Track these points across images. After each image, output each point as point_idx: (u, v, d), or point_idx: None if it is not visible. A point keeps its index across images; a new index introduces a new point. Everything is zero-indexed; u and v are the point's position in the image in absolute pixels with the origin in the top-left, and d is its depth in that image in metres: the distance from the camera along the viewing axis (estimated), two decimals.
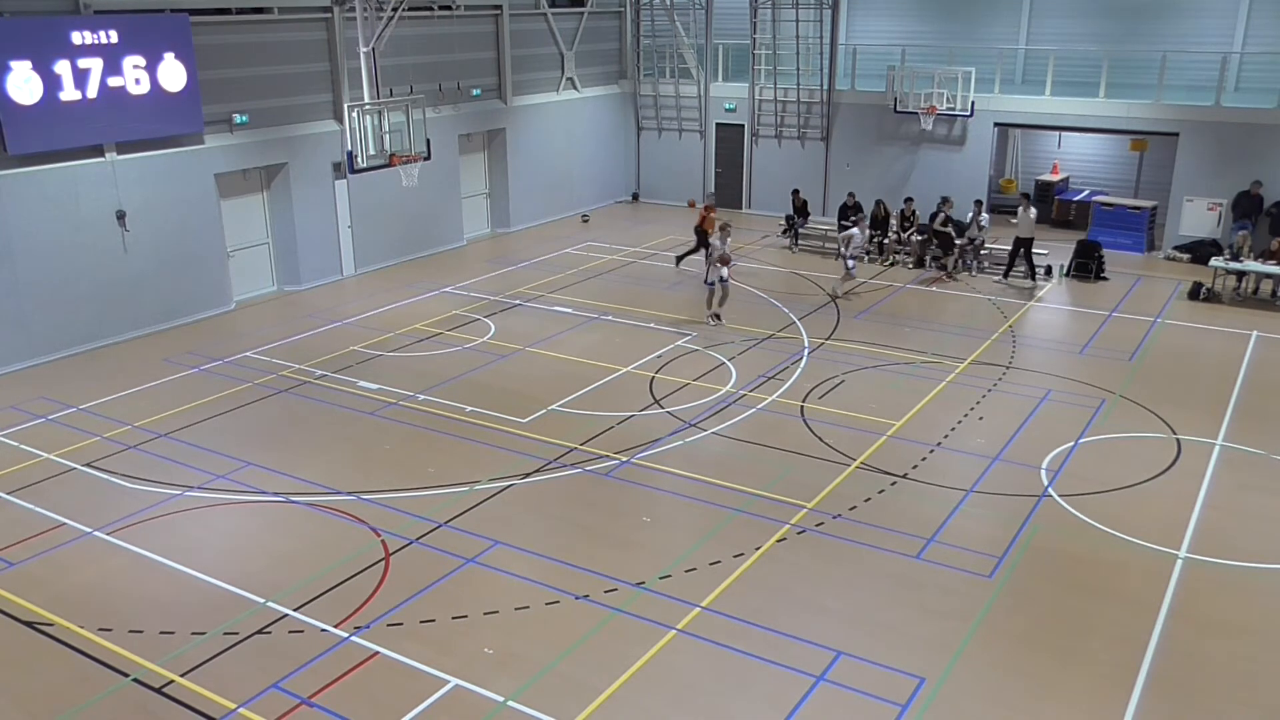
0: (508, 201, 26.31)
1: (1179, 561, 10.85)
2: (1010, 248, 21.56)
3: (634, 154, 30.39)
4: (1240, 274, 20.39)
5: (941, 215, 22.13)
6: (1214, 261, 20.68)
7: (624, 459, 13.22)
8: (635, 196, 30.54)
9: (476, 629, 9.73)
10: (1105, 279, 21.54)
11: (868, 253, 23.03)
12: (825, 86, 26.98)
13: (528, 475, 12.79)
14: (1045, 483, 12.58)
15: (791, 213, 24.89)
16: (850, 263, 20.31)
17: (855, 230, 20.54)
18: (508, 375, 16.22)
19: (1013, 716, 8.59)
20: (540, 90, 26.84)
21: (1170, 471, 12.92)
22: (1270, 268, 20.05)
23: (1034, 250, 21.44)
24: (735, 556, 10.90)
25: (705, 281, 18.91)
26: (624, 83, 29.82)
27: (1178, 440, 13.79)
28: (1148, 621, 9.81)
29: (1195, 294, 20.33)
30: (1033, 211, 21.57)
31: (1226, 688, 8.91)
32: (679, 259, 22.79)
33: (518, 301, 20.10)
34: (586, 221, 27.63)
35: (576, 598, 10.20)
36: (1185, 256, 22.94)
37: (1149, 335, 18.10)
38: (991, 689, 8.93)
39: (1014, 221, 21.95)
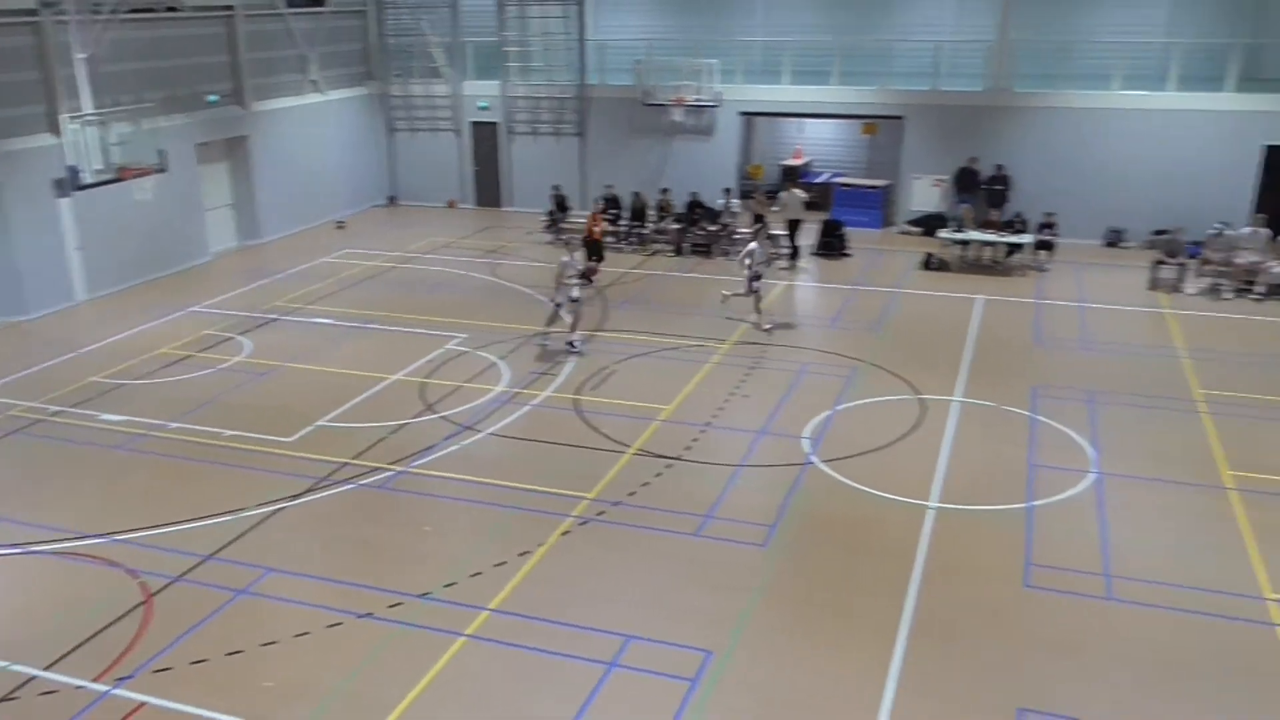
0: (256, 211, 25.05)
1: (930, 512, 11.73)
2: (785, 231, 22.60)
3: (387, 156, 29.67)
4: (965, 243, 22.25)
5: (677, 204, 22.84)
6: (942, 233, 22.46)
7: (399, 469, 12.92)
8: (392, 199, 29.84)
9: (254, 663, 9.25)
10: (849, 255, 22.95)
11: (639, 240, 23.56)
12: (577, 82, 27.29)
13: (298, 496, 12.27)
14: (808, 451, 13.28)
15: (553, 208, 25.04)
16: (755, 283, 17.92)
17: (754, 244, 18.07)
18: (269, 394, 15.49)
19: (796, 675, 9.03)
20: (283, 94, 25.71)
21: (917, 430, 13.93)
22: (990, 236, 21.98)
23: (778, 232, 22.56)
24: (520, 555, 10.89)
25: (553, 302, 17.05)
26: (372, 84, 29.03)
27: (921, 400, 14.89)
28: (907, 570, 10.55)
29: (927, 264, 22.02)
30: (800, 194, 22.68)
31: (978, 622, 9.71)
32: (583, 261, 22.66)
33: (274, 316, 19.21)
34: (342, 228, 26.75)
35: (359, 616, 9.89)
36: (917, 230, 24.78)
37: (891, 305, 19.44)
38: (775, 652, 9.35)
39: (775, 209, 22.89)
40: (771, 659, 9.26)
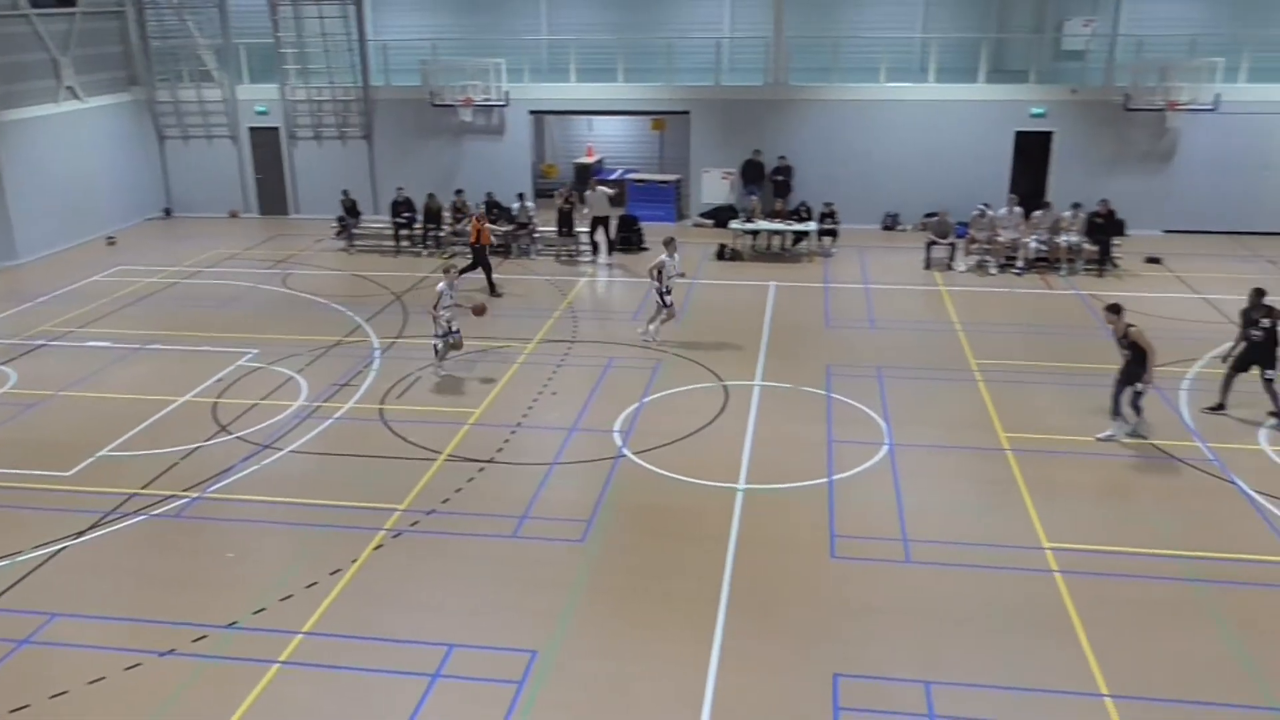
0: (10, 230, 23.02)
1: (739, 494, 12.11)
2: (588, 229, 22.68)
3: (160, 166, 27.92)
4: (755, 233, 23.07)
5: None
6: (733, 224, 23.22)
7: (195, 495, 12.22)
8: (168, 211, 28.12)
9: (43, 717, 8.54)
10: (646, 249, 23.35)
11: (436, 243, 23.16)
12: (360, 84, 26.52)
13: (82, 534, 11.40)
14: (619, 444, 13.44)
15: (343, 214, 24.27)
16: (667, 298, 17.02)
17: (665, 257, 16.97)
18: (41, 426, 14.32)
19: (622, 663, 9.14)
20: (35, 102, 23.74)
21: (722, 415, 14.35)
22: (777, 225, 22.89)
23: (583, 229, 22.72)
24: (332, 574, 10.52)
25: (436, 336, 15.59)
26: (137, 89, 27.23)
27: (724, 386, 15.34)
28: (721, 552, 10.85)
29: (721, 254, 22.71)
30: (604, 191, 22.82)
31: (791, 595, 10.11)
32: (460, 271, 21.50)
33: (41, 342, 17.76)
34: (114, 244, 24.99)
35: (160, 655, 9.29)
36: (709, 222, 25.49)
37: (689, 295, 19.92)
38: (599, 643, 9.42)
39: (586, 210, 22.94)
40: (597, 651, 9.33)
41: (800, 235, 23.05)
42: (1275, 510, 11.62)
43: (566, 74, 26.18)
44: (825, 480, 12.42)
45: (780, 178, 24.82)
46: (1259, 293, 14.04)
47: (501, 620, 9.77)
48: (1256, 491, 12.04)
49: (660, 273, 16.82)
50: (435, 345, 15.68)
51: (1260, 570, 10.46)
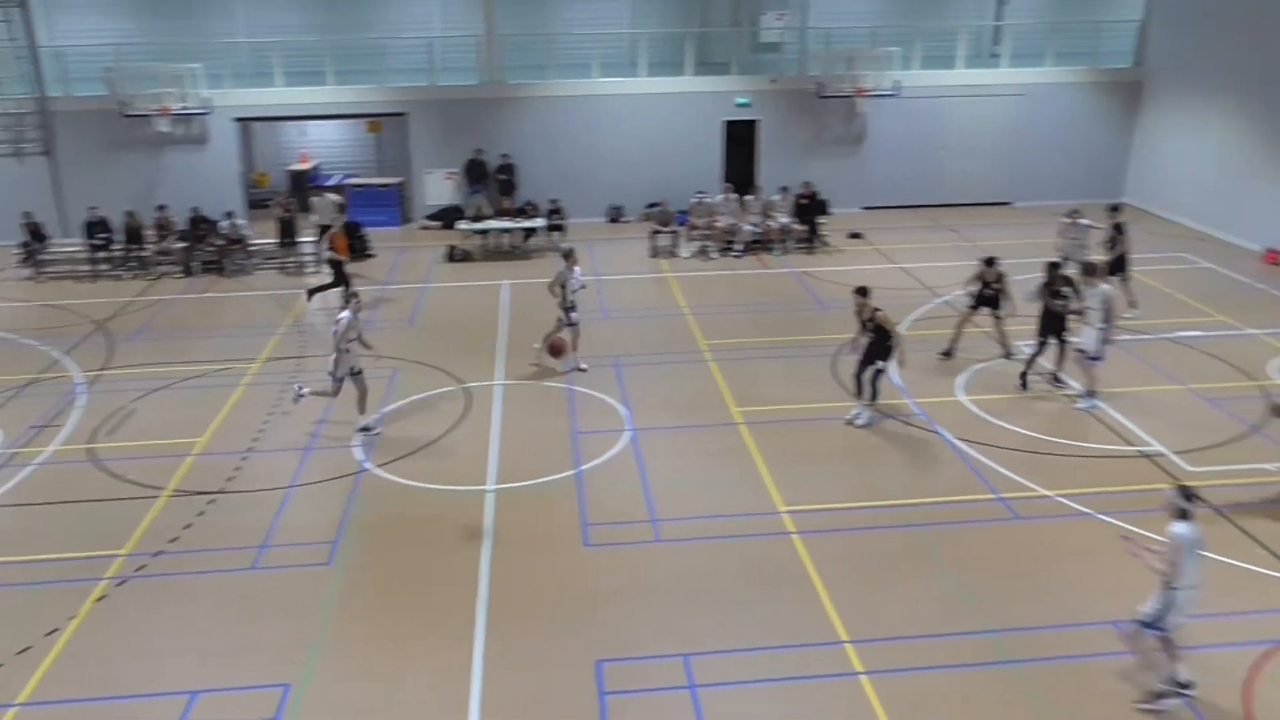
0: None
1: (490, 495, 12.04)
2: (314, 238, 21.68)
3: None
4: (484, 233, 22.95)
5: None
6: (460, 225, 22.99)
7: None
8: None
9: None
10: (373, 255, 22.70)
11: (140, 264, 21.45)
12: (34, 94, 24.07)
13: None
14: (360, 459, 13.01)
15: (26, 239, 21.98)
16: (572, 314, 15.65)
17: (564, 270, 15.54)
18: None
19: (383, 681, 8.86)
20: None
21: (466, 418, 14.19)
22: (505, 224, 22.89)
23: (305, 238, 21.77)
24: (48, 635, 9.55)
25: (333, 377, 13.45)
26: None
27: (465, 389, 15.18)
28: (476, 555, 10.75)
29: (451, 256, 22.44)
30: (334, 198, 21.82)
31: (549, 588, 10.16)
32: (312, 292, 19.42)
33: None
34: None
35: None
36: (436, 224, 25.10)
37: (421, 299, 19.56)
38: (357, 665, 9.10)
39: (315, 218, 21.88)
40: (355, 674, 9.01)
41: (529, 232, 23.16)
42: (974, 454, 12.87)
43: (271, 78, 24.93)
44: (573, 472, 12.57)
45: (504, 176, 24.81)
46: (1053, 266, 14.97)
47: (248, 658, 9.22)
48: (958, 438, 13.28)
49: (563, 287, 15.50)
50: (302, 391, 13.69)
51: (968, 509, 11.55)
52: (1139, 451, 12.91)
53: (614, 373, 15.70)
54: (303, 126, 28.46)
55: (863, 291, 13.89)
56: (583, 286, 15.84)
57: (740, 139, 25.92)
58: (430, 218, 25.40)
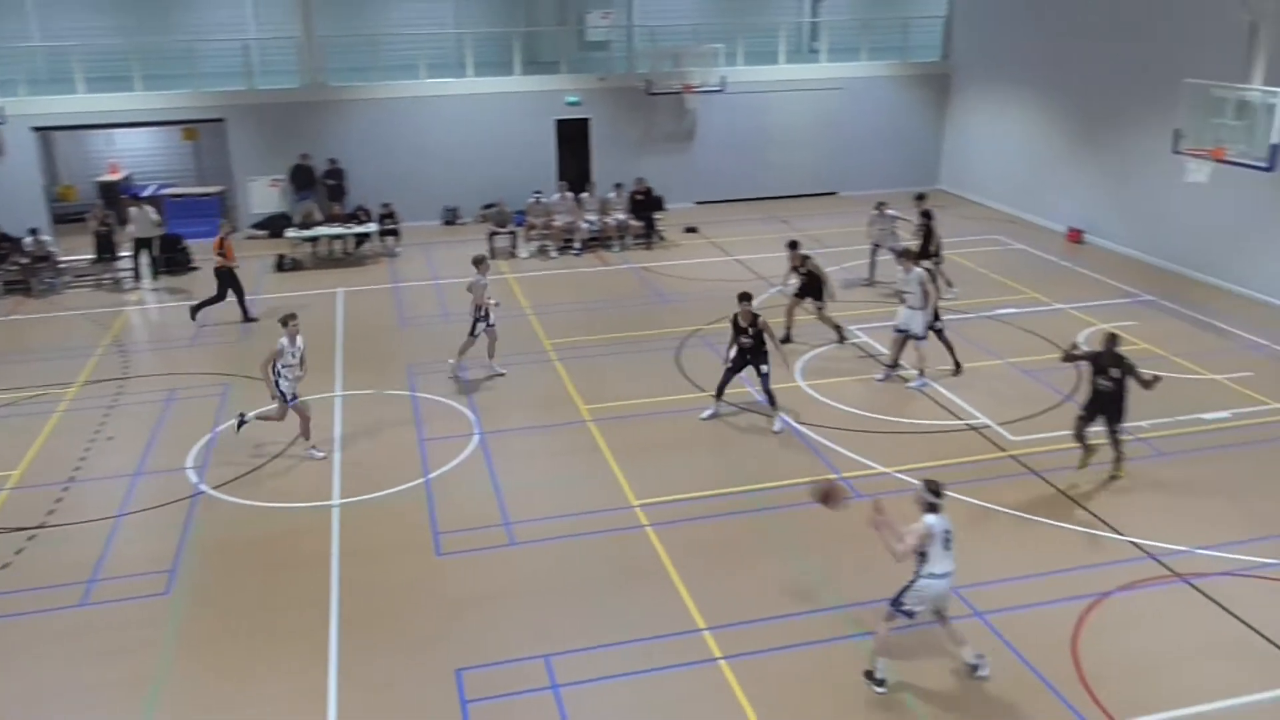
0: None
1: (335, 510, 11.68)
2: (130, 253, 20.47)
3: None
4: (314, 240, 22.24)
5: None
6: (289, 233, 22.19)
7: None
8: None
9: None
10: (195, 268, 21.67)
11: None
12: None
13: None
14: (195, 481, 12.41)
15: None
16: (479, 325, 15.17)
17: (479, 278, 14.94)
18: None
19: (232, 711, 8.48)
20: None
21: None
22: (336, 230, 22.25)
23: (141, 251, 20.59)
24: None
25: (277, 397, 12.75)
26: None
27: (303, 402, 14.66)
28: (326, 572, 10.42)
29: (281, 265, 21.65)
30: (150, 210, 20.64)
31: (403, 601, 9.95)
32: (195, 308, 17.85)
33: None
34: None
35: None
36: (263, 233, 24.16)
37: (253, 311, 18.77)
38: (203, 700, 8.66)
39: (132, 229, 20.65)
40: (200, 706, 8.58)
41: (362, 237, 22.58)
42: (815, 437, 13.30)
43: (72, 84, 23.42)
44: (422, 480, 12.33)
45: (333, 181, 24.10)
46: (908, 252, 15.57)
47: (82, 701, 8.67)
48: (799, 423, 13.70)
49: (482, 295, 15.01)
50: (245, 417, 13.16)
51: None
52: (966, 425, 13.62)
53: (460, 376, 15.48)
54: (110, 135, 26.86)
55: (746, 297, 13.61)
56: (495, 303, 15.37)
57: (573, 137, 25.98)
58: (256, 226, 24.43)
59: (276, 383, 12.66)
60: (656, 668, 8.93)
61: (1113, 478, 11.95)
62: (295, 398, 12.81)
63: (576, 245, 22.56)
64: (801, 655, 9.08)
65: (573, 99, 25.61)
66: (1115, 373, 11.47)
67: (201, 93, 23.93)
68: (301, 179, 24.15)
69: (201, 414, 14.30)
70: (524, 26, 27.26)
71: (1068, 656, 8.96)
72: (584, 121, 25.93)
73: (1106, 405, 11.64)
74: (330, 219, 22.52)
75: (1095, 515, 11.28)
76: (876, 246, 19.44)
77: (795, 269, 16.23)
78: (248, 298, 18.47)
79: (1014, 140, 25.45)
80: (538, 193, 23.18)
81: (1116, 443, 11.91)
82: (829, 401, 14.35)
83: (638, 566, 10.49)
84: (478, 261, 15.24)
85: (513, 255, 22.42)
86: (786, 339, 16.37)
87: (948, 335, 15.21)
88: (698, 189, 27.04)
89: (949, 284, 18.46)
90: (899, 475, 12.21)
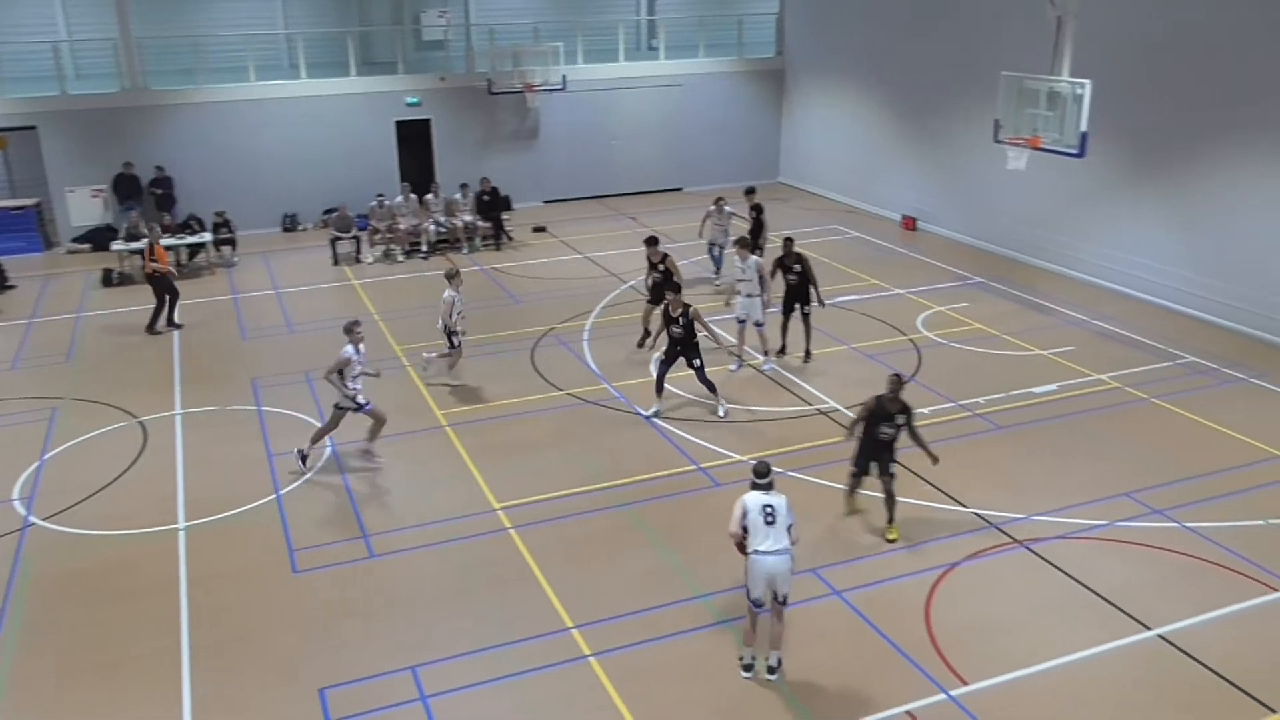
0: None
1: (181, 533, 11.15)
2: None
3: None
4: (142, 252, 21.08)
5: None
6: (115, 245, 21.00)
7: None
8: None
9: None
10: (12, 286, 20.30)
11: None
12: None
13: None
14: (23, 513, 11.63)
15: None
16: (455, 338, 14.76)
17: (451, 292, 14.54)
18: None
19: None
20: None
21: (145, 454, 13.05)
22: (168, 241, 21.13)
23: None
24: None
25: (347, 405, 12.39)
26: None
27: (141, 423, 13.96)
28: (174, 599, 9.93)
29: (108, 280, 20.49)
30: None
31: (259, 622, 9.57)
32: (151, 328, 17.00)
33: None
34: None
35: None
36: (87, 246, 22.83)
37: (77, 330, 17.74)
38: None
39: None
40: None
41: (196, 248, 21.59)
42: (673, 429, 13.47)
43: None
44: (273, 497, 11.91)
45: (160, 190, 22.96)
46: (789, 242, 15.65)
47: None
48: (656, 417, 13.84)
49: (451, 309, 14.53)
50: (305, 451, 12.60)
51: (672, 483, 12.09)
52: (816, 409, 14.04)
53: (307, 388, 15.01)
54: None
55: (676, 288, 13.92)
56: (461, 315, 14.78)
57: (414, 138, 25.52)
58: (78, 240, 23.05)
59: (355, 396, 12.36)
60: (526, 670, 8.88)
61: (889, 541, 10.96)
62: (368, 403, 12.51)
63: (424, 248, 22.17)
64: (669, 646, 9.18)
65: (412, 100, 25.15)
66: (899, 420, 10.66)
67: (8, 99, 22.41)
68: (126, 189, 22.91)
69: (29, 440, 13.42)
70: (357, 26, 26.60)
71: (922, 626, 9.36)
72: (425, 122, 25.50)
73: (880, 453, 10.76)
74: (162, 230, 21.40)
75: (940, 490, 11.81)
76: (712, 245, 19.51)
77: (654, 265, 16.22)
78: (72, 315, 17.39)
79: (847, 133, 26.36)
80: (380, 196, 22.64)
81: (889, 495, 10.87)
82: (686, 394, 14.55)
83: (502, 570, 10.41)
84: (450, 276, 14.80)
85: (358, 261, 21.87)
86: (642, 344, 16.26)
87: (812, 321, 15.66)
88: (545, 188, 26.98)
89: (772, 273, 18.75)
90: (754, 462, 12.46)
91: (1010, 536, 10.84)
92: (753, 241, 17.90)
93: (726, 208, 19.46)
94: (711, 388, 13.85)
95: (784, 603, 8.65)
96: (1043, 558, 10.44)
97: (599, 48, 27.62)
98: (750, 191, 19.79)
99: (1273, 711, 8.20)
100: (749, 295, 14.98)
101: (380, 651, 9.15)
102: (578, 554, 10.66)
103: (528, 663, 8.97)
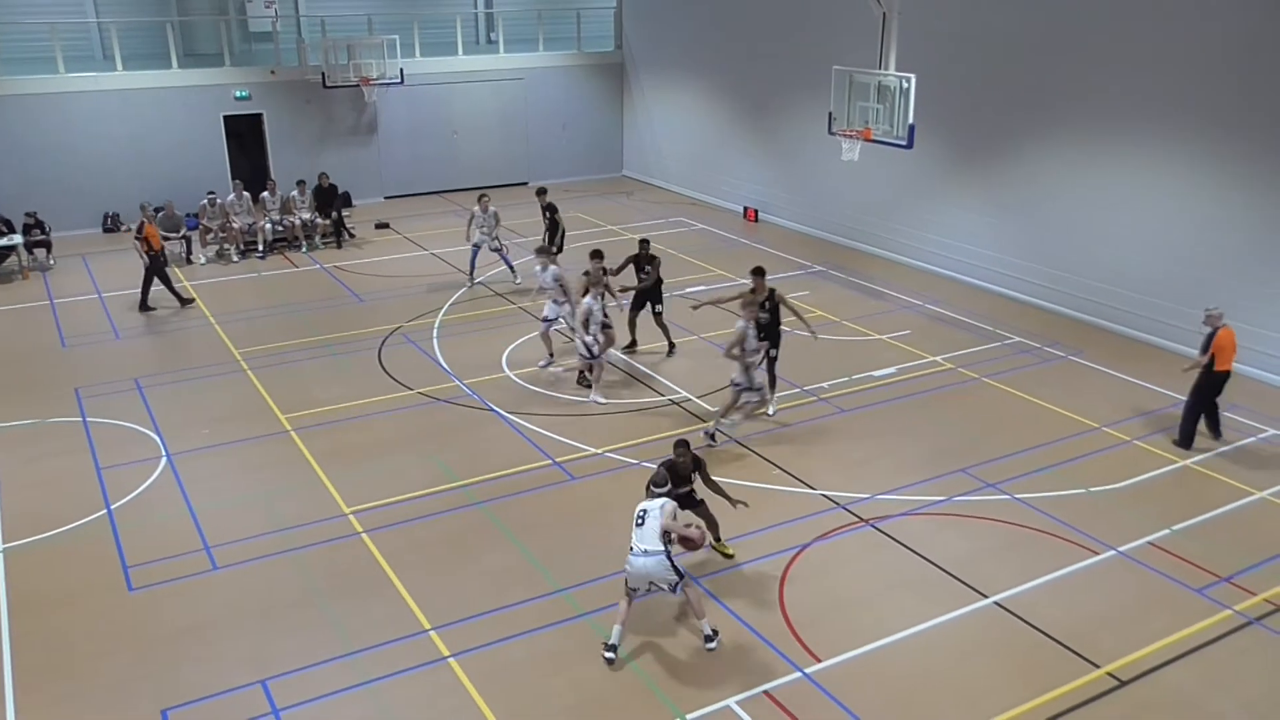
0: None
1: None
2: None
3: None
4: None
5: None
6: None
7: None
8: None
9: None
10: None
11: None
12: None
13: None
14: None
15: None
16: (594, 347, 13.82)
17: (590, 301, 13.70)
18: None
19: None
20: None
21: None
22: None
23: None
24: None
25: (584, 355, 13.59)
26: None
27: None
28: None
29: None
30: None
31: (92, 646, 9.02)
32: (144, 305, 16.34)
33: None
34: None
35: None
36: None
37: None
38: None
39: None
40: None
41: (6, 251, 20.13)
42: (527, 425, 13.39)
43: None
44: (103, 512, 11.24)
45: None
46: (644, 243, 15.63)
47: None
48: (509, 413, 13.73)
49: (588, 320, 13.72)
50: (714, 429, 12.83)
51: (528, 479, 12.01)
52: (669, 400, 14.21)
53: (137, 396, 14.23)
54: None
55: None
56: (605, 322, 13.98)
57: (246, 134, 24.50)
58: None
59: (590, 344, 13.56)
60: (385, 675, 8.67)
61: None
62: (597, 355, 13.74)
63: (260, 247, 21.33)
64: (530, 642, 9.13)
65: (241, 93, 24.13)
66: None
67: None
68: None
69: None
70: (177, 16, 25.33)
71: (776, 608, 9.60)
72: (257, 117, 24.51)
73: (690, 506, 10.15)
74: None
75: (790, 474, 12.13)
76: (477, 247, 18.84)
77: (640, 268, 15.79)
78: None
79: (688, 127, 26.75)
80: (212, 193, 21.60)
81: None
82: (539, 389, 14.48)
83: (355, 575, 10.12)
84: (595, 255, 14.60)
85: (189, 262, 20.85)
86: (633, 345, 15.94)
87: (665, 319, 15.76)
88: (386, 183, 26.36)
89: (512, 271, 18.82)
90: (610, 455, 12.54)
91: (857, 516, 11.23)
92: (549, 244, 17.82)
93: (491, 207, 19.04)
94: (773, 382, 13.67)
95: (674, 590, 8.87)
96: (888, 534, 10.87)
97: (437, 41, 27.15)
98: (542, 192, 19.45)
99: (1097, 667, 8.77)
100: (556, 302, 15.06)
101: (227, 667, 8.77)
102: (433, 555, 10.48)
103: (385, 668, 8.76)
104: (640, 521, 8.84)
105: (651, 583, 8.83)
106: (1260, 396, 14.24)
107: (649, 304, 15.67)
